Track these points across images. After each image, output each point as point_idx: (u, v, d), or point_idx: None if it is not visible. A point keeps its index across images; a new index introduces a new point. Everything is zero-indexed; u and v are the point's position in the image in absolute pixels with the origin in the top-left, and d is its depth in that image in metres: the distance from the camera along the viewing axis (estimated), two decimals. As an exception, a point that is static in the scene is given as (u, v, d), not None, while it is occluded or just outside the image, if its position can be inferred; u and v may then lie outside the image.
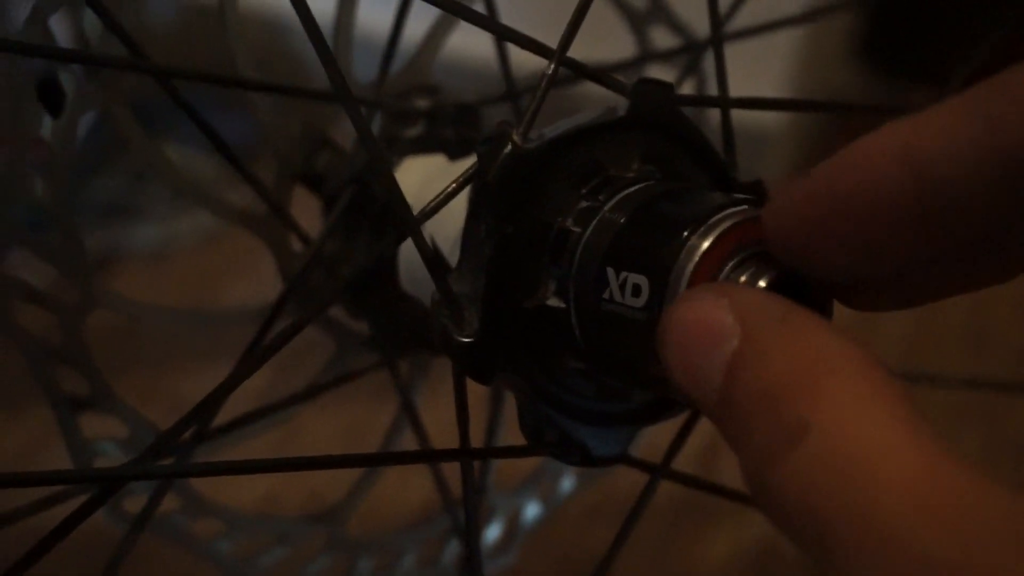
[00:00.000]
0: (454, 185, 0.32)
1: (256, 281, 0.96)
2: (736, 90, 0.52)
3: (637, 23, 0.46)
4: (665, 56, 0.44)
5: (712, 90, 0.48)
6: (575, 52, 0.45)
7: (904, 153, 0.25)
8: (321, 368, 0.42)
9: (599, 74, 0.33)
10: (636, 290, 0.30)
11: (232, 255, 1.00)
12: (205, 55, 0.44)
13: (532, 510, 0.45)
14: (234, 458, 0.31)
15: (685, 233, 0.29)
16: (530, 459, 0.45)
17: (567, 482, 0.46)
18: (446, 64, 0.44)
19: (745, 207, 0.30)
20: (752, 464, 0.23)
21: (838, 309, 0.30)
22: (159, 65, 0.34)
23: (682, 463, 0.37)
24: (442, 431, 0.43)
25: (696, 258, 0.29)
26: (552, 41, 0.33)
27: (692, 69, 0.44)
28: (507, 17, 0.39)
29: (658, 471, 0.35)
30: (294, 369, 0.45)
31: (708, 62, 0.45)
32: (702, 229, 0.29)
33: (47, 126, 0.36)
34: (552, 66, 0.32)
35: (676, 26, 0.45)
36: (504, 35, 0.33)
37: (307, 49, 0.40)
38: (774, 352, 0.24)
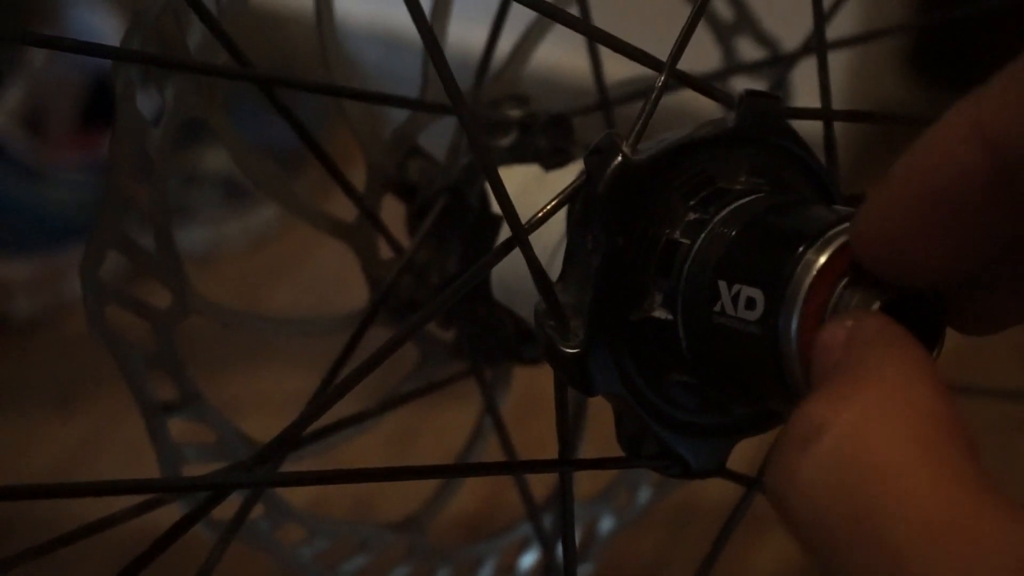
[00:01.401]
0: (560, 196, 0.32)
1: (301, 286, 0.96)
2: (792, 99, 0.52)
3: (724, 34, 0.46)
4: (754, 67, 0.44)
5: (795, 102, 0.48)
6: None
7: (976, 131, 0.24)
8: (405, 376, 0.42)
9: (706, 85, 0.33)
10: (750, 303, 0.30)
11: (279, 259, 1.01)
12: (266, 61, 0.44)
13: (608, 520, 0.45)
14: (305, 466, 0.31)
15: (801, 248, 0.29)
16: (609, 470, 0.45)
17: (644, 493, 0.46)
18: (532, 76, 0.44)
19: None
20: (769, 460, 0.23)
21: None
22: (264, 74, 0.34)
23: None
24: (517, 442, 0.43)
25: (813, 273, 0.29)
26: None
27: (781, 81, 0.44)
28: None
29: (755, 483, 0.35)
30: (374, 376, 0.45)
31: (794, 74, 0.45)
32: (818, 244, 0.29)
33: (147, 133, 0.36)
34: (663, 77, 0.32)
35: (762, 38, 0.45)
36: (610, 44, 0.33)
37: (362, 52, 0.40)
38: (843, 365, 0.24)
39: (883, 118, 0.34)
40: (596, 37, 0.32)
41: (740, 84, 0.45)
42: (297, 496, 0.41)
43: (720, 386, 0.32)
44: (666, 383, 0.33)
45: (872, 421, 0.22)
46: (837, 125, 0.34)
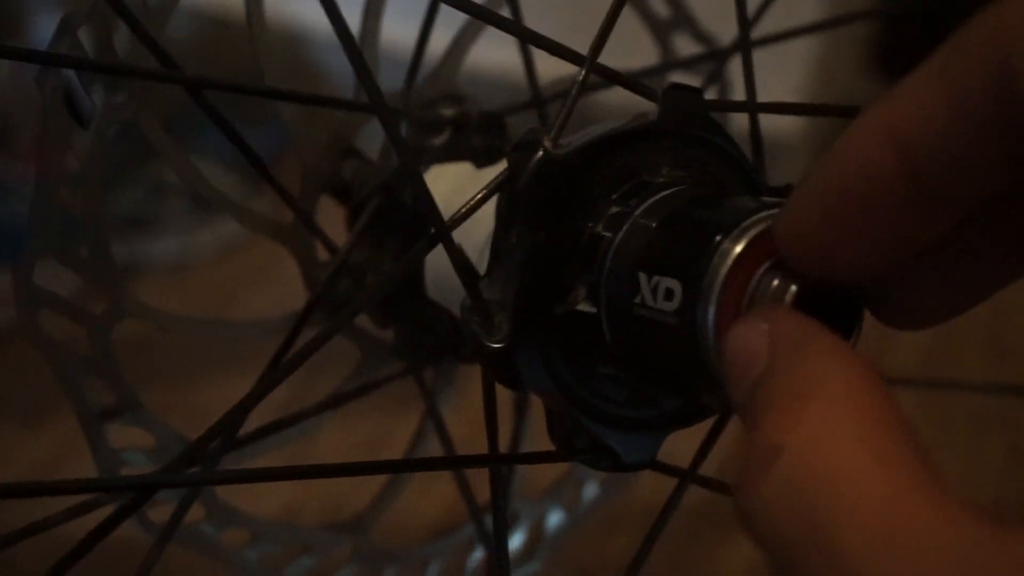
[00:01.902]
0: (484, 192, 0.32)
1: (275, 292, 0.96)
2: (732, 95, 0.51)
3: (661, 31, 0.46)
4: (689, 63, 0.44)
5: (735, 96, 0.48)
6: (606, 59, 0.46)
7: (888, 134, 0.25)
8: (346, 377, 0.42)
9: (630, 80, 0.33)
10: (668, 294, 0.30)
11: (251, 267, 1.01)
12: (223, 68, 0.44)
13: (556, 517, 0.45)
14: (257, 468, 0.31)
15: (718, 238, 0.29)
16: (554, 466, 0.45)
17: (591, 489, 0.46)
18: (468, 73, 0.44)
19: (776, 211, 0.30)
20: (734, 486, 0.23)
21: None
22: (191, 76, 0.34)
23: (706, 468, 0.37)
24: (463, 439, 0.43)
25: (729, 262, 0.29)
26: (574, 48, 0.33)
27: (717, 76, 0.44)
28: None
29: (687, 476, 0.35)
30: (319, 378, 0.45)
31: (731, 69, 0.45)
32: (734, 233, 0.29)
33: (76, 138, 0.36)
34: (584, 72, 0.32)
35: (699, 34, 0.45)
36: (534, 41, 0.33)
37: (328, 60, 0.40)
38: (779, 376, 0.25)
39: (809, 110, 0.34)
40: (524, 37, 0.33)
41: (678, 80, 0.45)
42: (267, 504, 0.42)
43: (646, 378, 0.32)
44: (594, 377, 0.33)
45: (823, 437, 0.22)
46: (802, 122, 0.34)
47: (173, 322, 0.39)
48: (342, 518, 0.44)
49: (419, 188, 0.30)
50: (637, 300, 0.31)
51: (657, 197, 0.32)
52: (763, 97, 0.38)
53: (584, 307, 0.32)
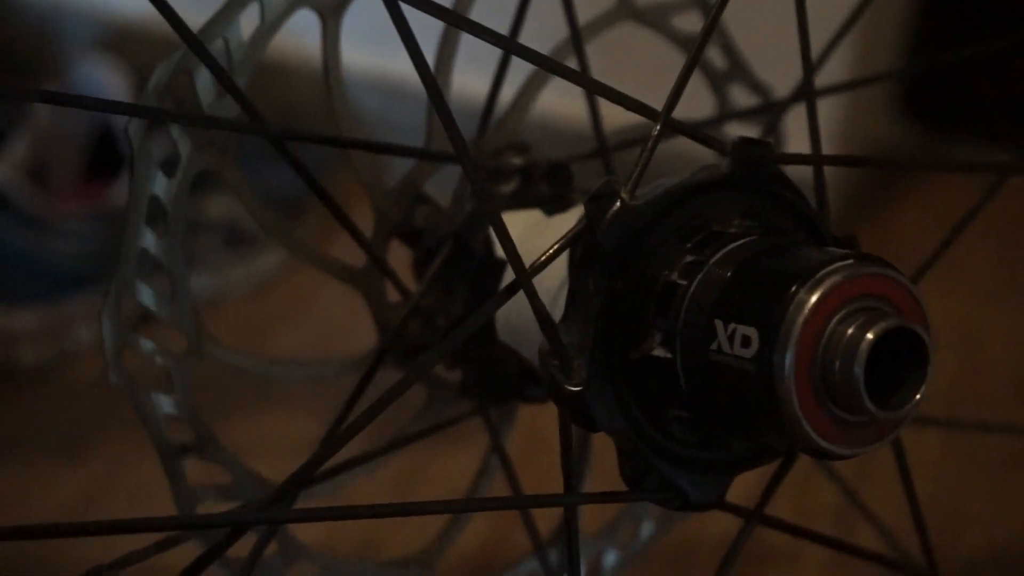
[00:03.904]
0: (563, 240, 0.33)
1: (310, 329, 0.97)
2: (786, 142, 0.52)
3: (717, 81, 0.47)
4: (746, 114, 0.46)
5: (787, 146, 0.49)
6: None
7: None
8: (413, 416, 0.43)
9: (700, 133, 0.34)
10: (745, 341, 0.31)
11: (282, 304, 1.02)
12: (273, 110, 0.46)
13: (612, 556, 0.46)
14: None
15: (794, 288, 0.31)
16: (609, 505, 0.46)
17: (647, 528, 0.47)
18: (533, 122, 0.45)
19: (851, 262, 0.31)
20: None
21: None
22: (275, 128, 0.35)
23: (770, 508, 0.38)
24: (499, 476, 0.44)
25: (806, 311, 0.30)
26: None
27: (773, 127, 0.45)
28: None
29: (754, 516, 0.36)
30: (384, 416, 0.46)
31: (786, 119, 0.47)
32: (810, 284, 0.31)
33: (161, 184, 0.37)
34: (659, 126, 0.34)
35: (755, 85, 0.46)
36: (604, 93, 0.34)
37: (388, 108, 0.41)
38: None
39: (871, 163, 0.36)
40: (594, 89, 0.34)
41: (734, 131, 0.47)
42: (306, 536, 0.42)
43: (718, 422, 0.33)
44: (666, 419, 0.34)
45: None
46: (833, 170, 0.36)
47: (250, 363, 0.40)
48: (380, 554, 0.45)
49: (502, 236, 0.32)
50: (713, 346, 0.32)
51: (731, 247, 0.33)
52: (794, 144, 0.39)
53: (660, 352, 0.33)
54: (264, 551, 0.37)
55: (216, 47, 0.37)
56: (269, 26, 0.38)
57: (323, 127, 0.39)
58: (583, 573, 0.45)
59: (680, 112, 0.47)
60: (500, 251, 0.39)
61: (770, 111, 0.44)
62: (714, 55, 0.47)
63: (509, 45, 0.34)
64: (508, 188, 0.41)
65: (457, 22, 0.32)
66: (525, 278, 0.32)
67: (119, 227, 0.37)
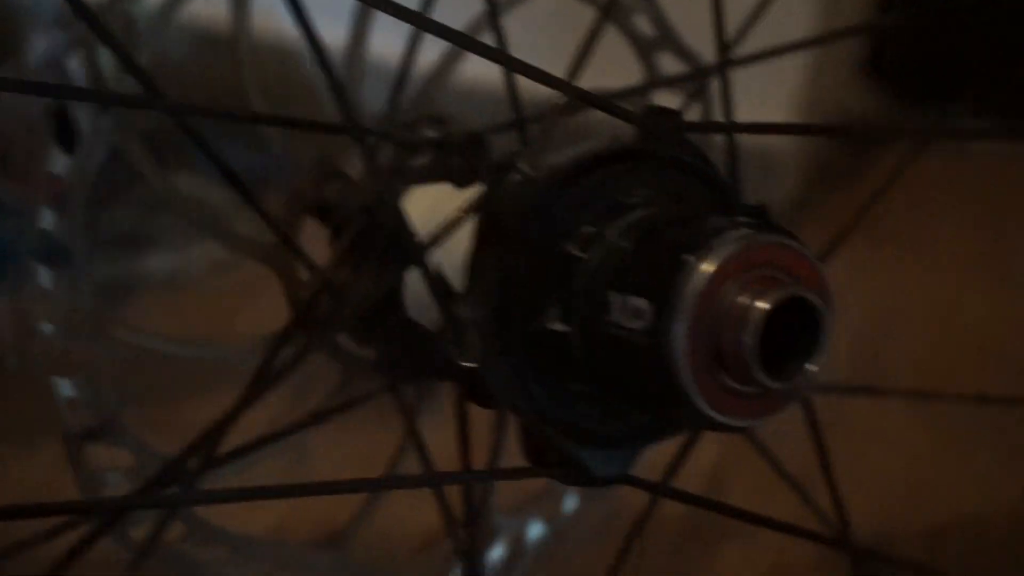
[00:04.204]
0: (460, 213, 0.33)
1: (272, 306, 0.96)
2: (744, 114, 0.51)
3: (645, 50, 0.46)
4: (671, 82, 0.45)
5: (718, 114, 0.48)
6: (582, 78, 0.46)
7: None
8: (327, 394, 0.42)
9: (608, 103, 0.34)
10: (639, 313, 0.30)
11: (245, 283, 1.01)
12: (220, 85, 0.45)
13: (536, 530, 0.46)
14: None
15: (687, 257, 0.30)
16: (534, 480, 0.45)
17: (571, 502, 0.47)
18: (460, 92, 0.44)
19: (746, 231, 0.30)
20: None
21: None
22: (174, 102, 0.34)
23: (691, 483, 0.37)
24: (451, 455, 0.44)
25: (698, 282, 0.29)
26: (560, 67, 0.33)
27: (698, 95, 0.44)
28: (516, 44, 0.39)
29: (659, 490, 0.35)
30: (312, 397, 0.45)
31: (714, 87, 0.46)
32: (703, 253, 0.30)
33: (62, 163, 0.36)
34: (561, 96, 0.33)
35: (683, 53, 0.46)
36: (513, 67, 0.33)
37: (321, 78, 0.41)
38: None
39: (787, 129, 0.35)
40: (503, 62, 0.33)
41: (661, 100, 0.46)
42: (262, 519, 0.42)
43: (616, 395, 0.33)
44: (566, 394, 0.33)
45: None
46: (794, 138, 0.35)
47: (156, 343, 0.39)
48: (328, 534, 0.44)
49: (391, 208, 0.31)
50: (609, 319, 0.31)
51: (631, 218, 0.32)
52: (754, 112, 0.38)
53: (557, 326, 0.32)
54: (163, 534, 0.36)
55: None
56: (170, 4, 0.37)
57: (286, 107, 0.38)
58: (503, 550, 0.44)
59: (608, 82, 0.46)
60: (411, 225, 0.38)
61: (694, 79, 0.43)
62: (642, 23, 0.46)
63: (419, 20, 0.33)
64: (421, 161, 0.40)
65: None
66: (417, 252, 0.31)
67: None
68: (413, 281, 0.38)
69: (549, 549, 0.46)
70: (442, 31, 0.33)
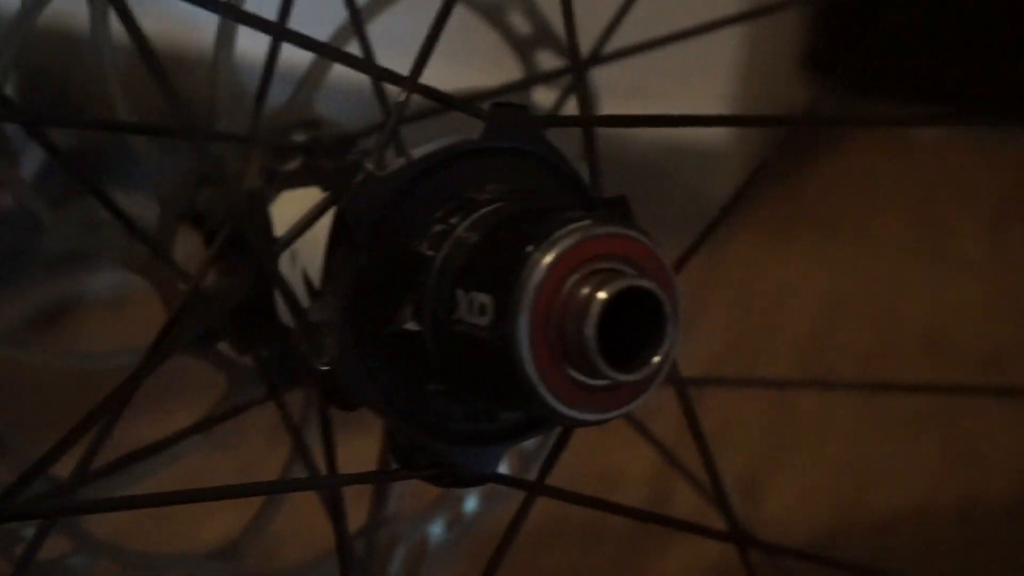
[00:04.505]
0: (308, 215, 0.32)
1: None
2: (678, 105, 0.51)
3: (523, 48, 0.46)
4: (547, 79, 0.45)
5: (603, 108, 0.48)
6: (471, 78, 0.46)
7: None
8: (214, 403, 0.42)
9: (454, 100, 0.34)
10: (483, 309, 0.30)
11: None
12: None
13: (437, 534, 0.46)
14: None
15: (529, 248, 0.30)
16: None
17: (471, 502, 0.47)
18: (341, 91, 0.44)
19: (588, 223, 0.30)
20: None
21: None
22: (28, 113, 0.34)
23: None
24: (364, 459, 0.43)
25: (538, 275, 0.29)
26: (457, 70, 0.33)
27: (571, 91, 0.44)
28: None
29: (534, 489, 0.35)
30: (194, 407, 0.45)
31: (601, 80, 0.46)
32: (544, 246, 0.30)
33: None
34: (404, 93, 0.33)
35: (562, 49, 0.45)
36: (357, 65, 0.33)
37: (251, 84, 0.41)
38: None
39: (646, 121, 0.35)
40: (337, 59, 0.33)
41: (544, 96, 0.46)
42: (113, 532, 0.41)
43: (472, 394, 0.33)
44: (427, 394, 0.33)
45: None
46: (733, 130, 0.35)
47: (27, 353, 0.39)
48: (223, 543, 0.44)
49: (243, 214, 0.31)
50: (456, 317, 0.31)
51: (479, 213, 0.32)
52: (688, 103, 0.38)
53: (411, 326, 0.32)
54: (41, 547, 0.36)
55: None
56: (28, 10, 0.37)
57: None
58: (404, 555, 0.44)
59: (492, 79, 0.46)
60: (279, 230, 0.38)
61: (569, 73, 0.43)
62: (518, 20, 0.46)
63: (278, 31, 0.33)
64: (292, 165, 0.40)
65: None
66: (268, 258, 0.31)
67: None
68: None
69: (451, 552, 0.46)
70: (303, 41, 0.32)
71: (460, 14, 0.47)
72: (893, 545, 0.78)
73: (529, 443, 0.47)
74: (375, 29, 0.41)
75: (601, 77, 0.45)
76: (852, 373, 0.93)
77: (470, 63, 0.34)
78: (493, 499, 0.47)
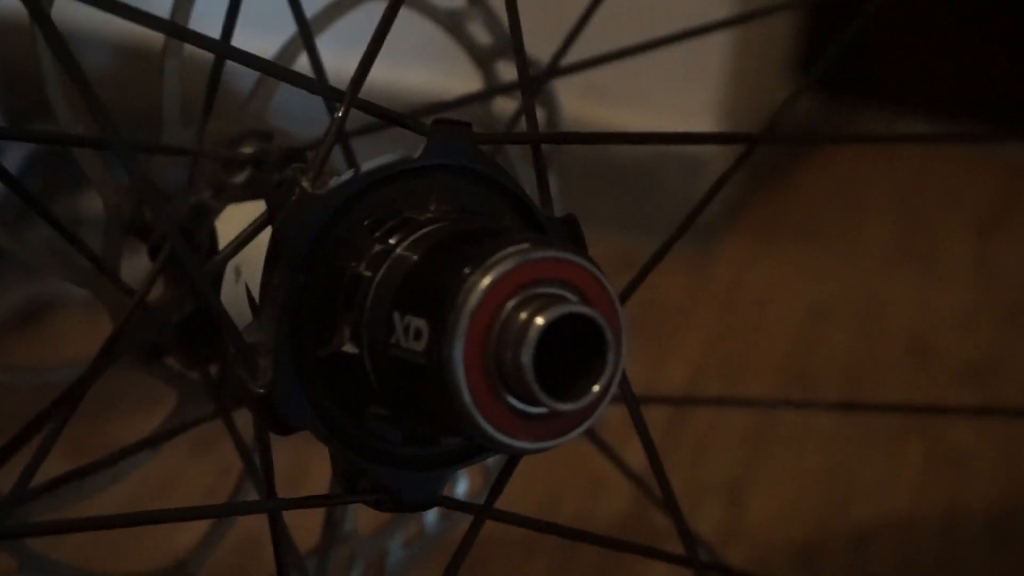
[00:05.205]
0: (243, 233, 0.32)
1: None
2: (667, 112, 0.50)
3: (483, 59, 0.45)
4: (504, 91, 0.44)
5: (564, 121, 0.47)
6: (437, 87, 0.45)
7: None
8: (164, 418, 0.41)
9: (393, 115, 0.33)
10: (418, 333, 0.29)
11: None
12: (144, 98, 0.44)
13: (397, 553, 0.45)
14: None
15: (466, 271, 0.29)
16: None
17: (431, 520, 0.46)
18: (287, 108, 0.43)
19: (526, 246, 0.29)
20: None
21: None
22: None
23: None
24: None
25: (474, 300, 0.28)
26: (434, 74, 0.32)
27: (529, 104, 0.43)
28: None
29: (482, 512, 0.34)
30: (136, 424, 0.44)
31: (590, 86, 0.45)
32: (481, 269, 0.29)
33: None
34: (343, 108, 0.32)
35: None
36: (296, 82, 0.32)
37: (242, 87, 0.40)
38: None
39: (594, 139, 0.34)
40: (278, 75, 0.32)
41: (506, 107, 0.45)
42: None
43: (412, 419, 0.32)
44: (368, 417, 0.32)
45: None
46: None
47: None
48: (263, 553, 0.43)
49: (171, 233, 0.30)
50: (392, 340, 0.30)
51: (419, 234, 0.31)
52: (677, 111, 0.37)
53: (349, 348, 0.31)
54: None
55: None
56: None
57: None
58: (360, 572, 0.43)
59: (455, 90, 0.46)
60: (223, 244, 0.37)
61: (511, 90, 0.42)
62: (478, 31, 0.45)
63: (221, 49, 0.32)
64: (240, 178, 0.39)
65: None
66: (198, 275, 0.30)
67: None
68: (227, 302, 0.37)
69: (410, 570, 0.45)
70: (251, 61, 0.32)
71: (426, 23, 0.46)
72: (875, 555, 0.77)
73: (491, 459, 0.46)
74: (354, 28, 0.40)
75: (591, 83, 0.44)
76: (837, 380, 0.92)
77: (437, 73, 0.33)
78: (453, 516, 0.46)
